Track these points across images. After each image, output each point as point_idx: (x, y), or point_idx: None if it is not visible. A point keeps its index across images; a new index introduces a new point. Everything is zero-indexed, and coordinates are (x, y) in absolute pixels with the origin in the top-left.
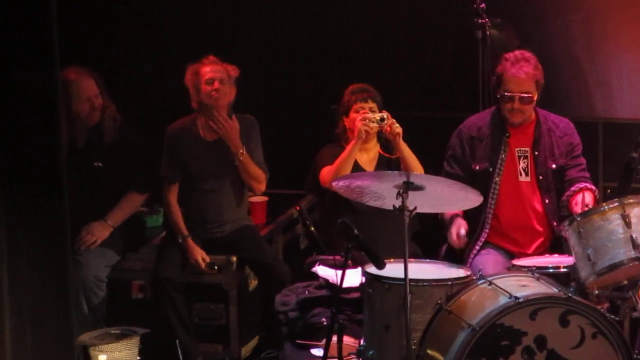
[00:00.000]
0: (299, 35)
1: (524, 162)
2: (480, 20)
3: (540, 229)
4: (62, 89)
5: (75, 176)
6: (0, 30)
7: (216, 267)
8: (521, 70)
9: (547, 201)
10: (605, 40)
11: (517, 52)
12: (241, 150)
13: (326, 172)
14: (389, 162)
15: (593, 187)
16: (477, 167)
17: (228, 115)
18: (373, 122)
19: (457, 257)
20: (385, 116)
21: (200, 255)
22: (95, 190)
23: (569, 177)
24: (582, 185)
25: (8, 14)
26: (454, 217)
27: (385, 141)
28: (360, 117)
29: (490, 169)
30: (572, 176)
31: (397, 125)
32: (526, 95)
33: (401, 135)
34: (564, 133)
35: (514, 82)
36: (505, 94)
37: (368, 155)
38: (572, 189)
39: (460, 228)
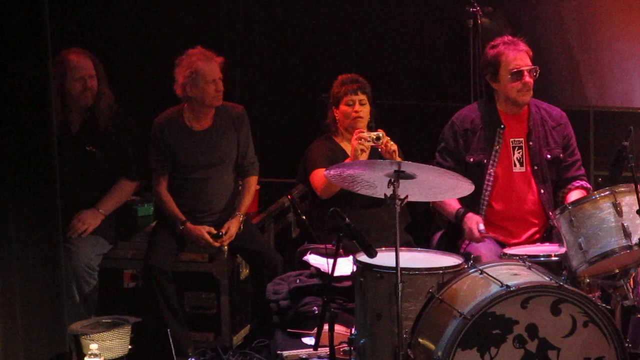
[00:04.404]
0: (291, 23)
1: (519, 153)
2: (471, 9)
3: (535, 220)
4: (58, 67)
5: (68, 160)
6: None
7: (222, 234)
8: (519, 47)
9: (542, 191)
10: (598, 29)
11: (503, 38)
12: (242, 217)
13: (318, 179)
14: (379, 152)
15: (587, 186)
16: (472, 159)
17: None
18: (368, 141)
19: (450, 246)
20: (380, 135)
21: (206, 230)
22: (87, 175)
23: (566, 177)
24: (577, 184)
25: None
26: (463, 212)
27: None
28: (355, 137)
29: (485, 161)
30: (569, 176)
31: (392, 143)
32: (533, 67)
33: (397, 152)
34: (557, 123)
35: (519, 58)
36: (514, 70)
37: None
38: (568, 186)
39: (478, 224)
